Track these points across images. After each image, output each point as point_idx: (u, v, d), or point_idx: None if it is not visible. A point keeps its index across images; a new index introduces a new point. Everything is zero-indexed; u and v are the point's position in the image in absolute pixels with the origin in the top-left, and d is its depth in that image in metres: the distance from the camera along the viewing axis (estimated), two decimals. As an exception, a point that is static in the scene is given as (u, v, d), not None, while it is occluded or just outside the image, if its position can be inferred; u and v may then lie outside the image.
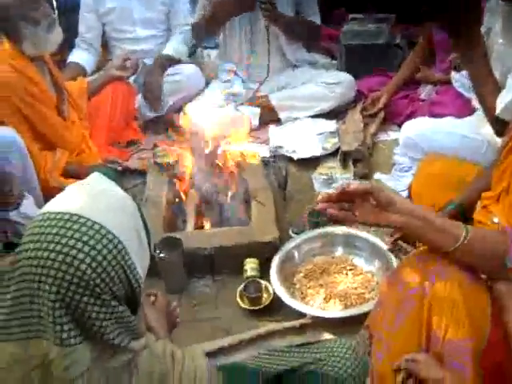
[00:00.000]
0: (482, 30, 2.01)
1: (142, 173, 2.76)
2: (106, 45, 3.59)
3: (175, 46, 3.46)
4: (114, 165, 2.63)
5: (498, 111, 1.88)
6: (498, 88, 1.91)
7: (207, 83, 3.49)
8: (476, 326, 1.25)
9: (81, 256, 0.94)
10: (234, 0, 3.08)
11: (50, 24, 2.54)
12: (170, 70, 3.41)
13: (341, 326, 1.78)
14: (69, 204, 0.99)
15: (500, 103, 1.86)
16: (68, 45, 3.42)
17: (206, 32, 3.38)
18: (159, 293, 1.49)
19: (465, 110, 2.55)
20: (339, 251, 2.16)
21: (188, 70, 3.46)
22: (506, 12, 1.99)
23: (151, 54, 3.47)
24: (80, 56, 3.42)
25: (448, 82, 2.82)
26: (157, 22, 3.50)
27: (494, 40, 2.07)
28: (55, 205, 1.00)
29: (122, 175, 2.77)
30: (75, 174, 2.60)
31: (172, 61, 3.42)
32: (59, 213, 0.97)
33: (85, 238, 0.95)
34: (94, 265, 0.94)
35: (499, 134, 1.97)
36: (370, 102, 3.09)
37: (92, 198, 1.02)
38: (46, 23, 2.51)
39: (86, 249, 0.94)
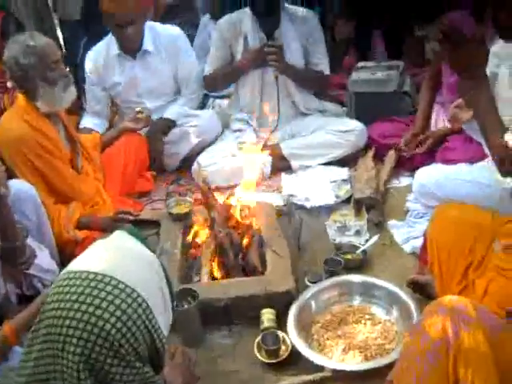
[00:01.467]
0: (487, 72, 2.05)
1: (155, 223, 2.76)
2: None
3: (177, 110, 3.49)
4: (126, 216, 2.63)
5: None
6: (504, 128, 1.92)
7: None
8: (504, 376, 1.22)
9: (106, 316, 0.93)
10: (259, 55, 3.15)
11: (66, 84, 2.59)
12: (185, 117, 3.45)
13: (361, 378, 1.74)
14: (93, 263, 0.99)
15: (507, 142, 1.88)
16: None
17: (224, 83, 3.44)
18: (179, 348, 1.47)
19: (477, 154, 2.55)
20: (357, 300, 2.13)
21: (205, 114, 3.52)
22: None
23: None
24: (91, 121, 3.47)
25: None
26: (164, 90, 3.50)
27: (501, 85, 2.10)
28: (79, 264, 1.01)
29: (134, 226, 2.77)
30: (89, 226, 2.62)
31: (173, 123, 3.44)
32: (84, 272, 0.97)
33: (110, 298, 0.94)
34: (119, 325, 0.94)
35: (504, 174, 1.98)
36: (408, 141, 3.05)
37: (116, 256, 1.02)
38: (63, 84, 2.56)
39: (112, 308, 0.94)
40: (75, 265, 1.01)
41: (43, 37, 2.57)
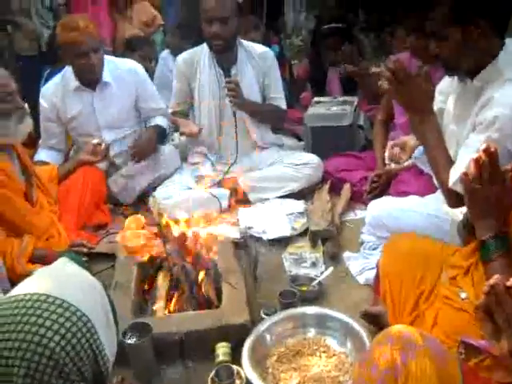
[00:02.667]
0: (435, 109, 2.13)
1: (111, 256, 2.73)
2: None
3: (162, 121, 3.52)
4: (80, 248, 2.60)
5: (450, 184, 1.96)
6: (452, 163, 2.00)
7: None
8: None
9: (50, 334, 0.92)
10: None
11: (21, 116, 2.56)
12: None
13: (315, 411, 1.74)
14: (36, 286, 0.99)
15: (452, 176, 1.95)
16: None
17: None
18: (127, 381, 1.45)
19: (427, 187, 2.62)
20: (312, 332, 2.13)
21: (165, 150, 3.53)
22: (458, 92, 2.11)
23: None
24: (46, 155, 3.41)
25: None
26: (124, 122, 3.48)
27: (447, 120, 2.18)
28: (21, 288, 1.00)
29: (90, 259, 2.74)
30: (43, 259, 2.57)
31: (161, 130, 3.47)
32: (27, 294, 0.96)
33: (53, 316, 0.94)
34: (63, 343, 0.93)
35: (453, 206, 2.04)
36: (371, 182, 3.11)
37: (60, 280, 1.02)
38: (17, 116, 2.54)
39: (56, 327, 0.93)
40: (17, 289, 1.00)
41: None
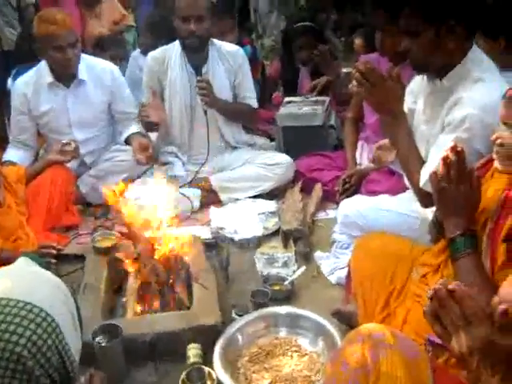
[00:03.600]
0: (405, 109, 2.15)
1: (80, 258, 2.69)
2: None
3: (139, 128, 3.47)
4: (49, 250, 2.55)
5: (421, 183, 1.98)
6: (422, 163, 2.02)
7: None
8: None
9: (14, 339, 0.90)
10: None
11: None
12: (113, 151, 3.44)
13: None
14: None
15: (423, 176, 1.97)
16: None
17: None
18: (99, 375, 1.42)
19: (398, 186, 2.64)
20: (283, 332, 2.13)
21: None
22: (428, 92, 2.13)
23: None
24: (15, 154, 3.33)
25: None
26: (96, 121, 3.44)
27: (417, 120, 2.20)
28: None
29: (59, 261, 2.69)
30: (9, 260, 2.51)
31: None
32: None
33: (17, 320, 0.92)
34: (29, 345, 0.91)
35: (425, 205, 2.07)
36: (343, 183, 3.09)
37: (21, 281, 1.00)
38: None
39: (20, 330, 0.91)
40: None
41: None
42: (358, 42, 3.65)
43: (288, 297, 2.42)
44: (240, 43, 4.11)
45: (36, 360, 0.91)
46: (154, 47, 3.48)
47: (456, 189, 1.58)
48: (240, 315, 2.18)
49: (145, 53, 3.90)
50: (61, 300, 1.02)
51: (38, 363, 0.92)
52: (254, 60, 4.36)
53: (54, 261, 2.46)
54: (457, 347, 1.06)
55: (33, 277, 1.02)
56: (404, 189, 2.55)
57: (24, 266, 1.06)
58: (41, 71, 3.29)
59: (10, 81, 3.89)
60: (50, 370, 0.94)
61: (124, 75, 3.80)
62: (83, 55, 3.36)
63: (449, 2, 1.95)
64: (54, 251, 2.57)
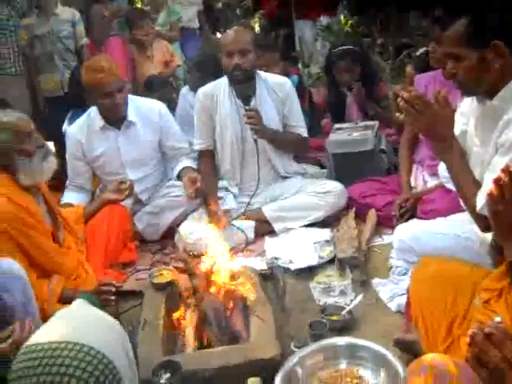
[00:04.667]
0: (456, 132, 2.10)
1: (139, 294, 2.73)
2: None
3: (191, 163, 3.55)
4: (108, 287, 2.60)
5: (478, 208, 1.92)
6: (478, 187, 1.96)
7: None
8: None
9: (73, 382, 0.92)
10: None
11: (44, 154, 2.63)
12: (168, 187, 3.51)
13: None
14: (54, 332, 0.99)
15: (479, 200, 1.90)
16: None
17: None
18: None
19: (455, 204, 2.56)
20: (343, 363, 2.08)
21: None
22: (478, 113, 2.08)
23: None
24: (72, 197, 3.46)
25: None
26: (147, 160, 3.52)
27: (470, 142, 2.14)
28: (40, 336, 1.00)
29: (118, 297, 2.75)
30: (72, 299, 2.56)
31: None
32: (46, 343, 0.96)
33: (75, 363, 0.94)
34: None
35: (483, 229, 1.99)
36: (399, 207, 3.03)
37: (78, 323, 1.02)
38: (41, 154, 2.60)
39: (78, 373, 0.93)
40: (36, 337, 1.00)
41: (15, 112, 2.66)
42: (408, 69, 3.60)
43: (347, 326, 2.38)
44: (286, 74, 4.15)
45: None
46: (203, 84, 3.55)
47: (511, 210, 1.52)
48: (299, 347, 2.15)
49: (194, 89, 3.99)
50: (116, 340, 1.03)
51: None
52: (300, 89, 4.38)
53: (113, 298, 2.50)
54: None
55: (89, 319, 1.05)
56: (460, 208, 2.48)
57: (80, 308, 1.09)
58: (92, 116, 3.42)
59: (66, 123, 4.05)
60: None
61: (174, 113, 3.90)
62: (131, 96, 3.48)
63: (490, 25, 1.89)
64: (113, 288, 2.62)
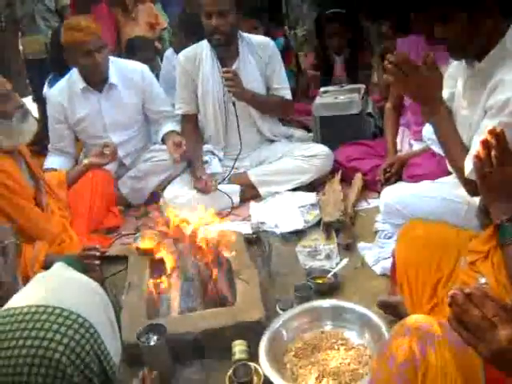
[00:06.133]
0: (445, 95, 2.07)
1: (124, 259, 2.71)
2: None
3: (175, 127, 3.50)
4: (93, 252, 2.58)
5: (466, 173, 1.90)
6: (466, 150, 1.94)
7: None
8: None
9: (53, 346, 0.91)
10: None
11: (23, 115, 2.56)
12: (152, 151, 3.47)
13: (336, 406, 1.71)
14: (34, 296, 0.97)
15: (468, 165, 1.89)
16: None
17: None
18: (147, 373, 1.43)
19: (440, 169, 2.56)
20: (328, 325, 2.10)
21: None
22: (467, 76, 2.05)
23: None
24: (55, 161, 3.41)
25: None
26: (131, 123, 3.48)
27: (457, 104, 2.12)
28: (19, 299, 0.98)
29: (103, 262, 2.73)
30: (55, 265, 2.56)
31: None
32: (24, 307, 0.94)
33: (55, 327, 0.92)
34: (67, 352, 0.91)
35: (472, 193, 1.99)
36: (384, 172, 3.04)
37: (57, 286, 1.00)
38: (19, 115, 2.54)
39: (58, 337, 0.91)
40: (15, 301, 0.98)
41: None
42: (385, 29, 3.54)
43: (332, 289, 2.38)
44: (272, 36, 4.08)
45: (75, 366, 0.92)
46: (187, 46, 3.48)
47: (499, 173, 1.51)
48: (284, 310, 2.16)
49: (178, 52, 3.91)
50: (97, 304, 1.02)
51: (78, 369, 0.92)
52: (287, 51, 4.32)
53: (97, 262, 2.48)
54: (485, 351, 1.04)
55: (68, 282, 1.03)
56: (446, 172, 2.47)
57: (60, 272, 1.06)
58: (73, 79, 3.35)
59: (46, 87, 3.96)
60: (89, 375, 0.94)
61: (156, 75, 3.83)
62: (112, 58, 3.41)
63: None
64: (98, 253, 2.60)
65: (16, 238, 2.19)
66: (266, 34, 4.07)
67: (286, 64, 4.07)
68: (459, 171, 1.98)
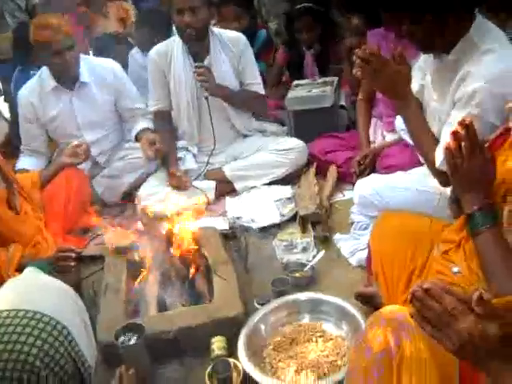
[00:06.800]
0: (415, 87, 2.10)
1: (101, 259, 2.69)
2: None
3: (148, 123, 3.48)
4: (68, 253, 2.55)
5: (437, 164, 1.93)
6: (436, 142, 1.97)
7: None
8: (444, 380, 1.23)
9: (26, 349, 0.90)
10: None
11: None
12: (126, 149, 3.45)
13: (315, 397, 1.72)
14: (4, 300, 0.97)
15: (438, 156, 1.92)
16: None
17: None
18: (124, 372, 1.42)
19: (413, 159, 2.57)
20: (306, 318, 2.12)
21: None
22: (435, 68, 2.08)
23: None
24: (27, 162, 3.37)
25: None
26: (104, 121, 3.45)
27: (427, 96, 2.14)
28: None
29: (79, 263, 2.71)
30: (31, 267, 2.53)
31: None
32: None
33: (27, 330, 0.92)
34: (41, 355, 0.91)
35: (443, 184, 2.02)
36: (358, 164, 3.05)
37: (29, 290, 1.00)
38: None
39: (31, 340, 0.91)
40: None
41: None
42: (354, 22, 3.55)
43: (309, 282, 2.40)
44: (254, 28, 4.09)
45: (50, 369, 0.91)
46: (152, 43, 3.46)
47: (469, 163, 1.53)
48: (262, 304, 2.17)
49: (141, 47, 3.90)
50: (70, 306, 1.02)
51: (52, 372, 0.91)
52: (268, 44, 4.31)
53: (72, 264, 2.46)
54: (448, 344, 1.07)
55: (40, 286, 1.02)
56: (419, 162, 2.50)
57: (31, 276, 1.06)
58: (43, 77, 3.30)
59: (12, 85, 3.91)
60: (64, 378, 0.94)
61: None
62: (84, 56, 3.38)
63: None
64: (73, 254, 2.58)
65: None
66: (249, 25, 4.09)
67: (266, 57, 4.09)
68: (430, 163, 2.00)
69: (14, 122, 3.62)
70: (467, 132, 1.51)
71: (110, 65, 3.46)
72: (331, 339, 2.01)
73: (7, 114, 4.32)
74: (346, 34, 3.92)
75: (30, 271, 1.07)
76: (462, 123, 1.51)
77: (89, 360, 1.01)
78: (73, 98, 3.32)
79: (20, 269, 2.52)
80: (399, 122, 2.61)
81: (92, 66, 3.36)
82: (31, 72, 3.50)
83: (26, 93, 3.34)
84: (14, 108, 3.59)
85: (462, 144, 1.52)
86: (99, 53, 4.09)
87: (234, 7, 4.09)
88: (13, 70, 4.16)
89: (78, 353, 0.97)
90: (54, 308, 0.97)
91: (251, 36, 4.08)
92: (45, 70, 3.29)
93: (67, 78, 3.27)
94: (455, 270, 1.74)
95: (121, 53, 4.29)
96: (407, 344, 1.27)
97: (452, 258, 1.77)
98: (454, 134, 1.53)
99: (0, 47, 4.75)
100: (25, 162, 3.37)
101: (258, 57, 4.04)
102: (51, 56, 3.12)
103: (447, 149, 1.57)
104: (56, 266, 2.27)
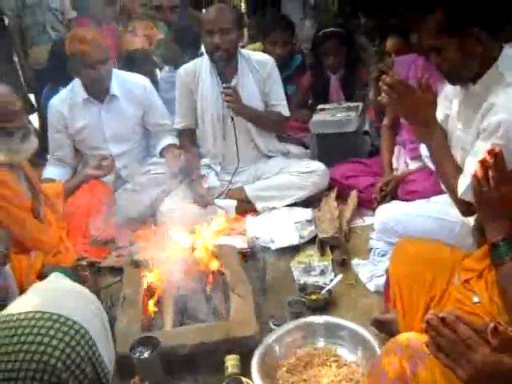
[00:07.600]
0: (440, 116, 2.10)
1: (119, 271, 2.72)
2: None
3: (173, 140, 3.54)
4: (87, 263, 2.60)
5: (459, 193, 1.93)
6: (459, 171, 1.97)
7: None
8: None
9: (49, 351, 0.92)
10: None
11: (25, 135, 2.58)
12: (150, 164, 3.50)
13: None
14: (29, 303, 0.99)
15: (461, 185, 1.92)
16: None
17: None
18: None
19: (436, 186, 2.57)
20: (321, 342, 2.11)
21: None
22: (461, 98, 2.08)
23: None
24: (53, 171, 3.43)
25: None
26: (130, 135, 3.50)
27: (452, 125, 2.15)
28: (15, 307, 0.99)
29: (98, 274, 2.74)
30: (51, 275, 2.56)
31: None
32: (21, 313, 0.96)
33: (51, 332, 0.94)
34: (63, 357, 0.93)
35: (465, 214, 2.01)
36: (380, 190, 3.04)
37: (54, 295, 1.03)
38: (20, 134, 2.56)
39: (54, 342, 0.93)
40: (11, 308, 0.99)
41: (2, 87, 2.58)
42: (389, 42, 3.56)
43: (325, 306, 2.40)
44: (292, 52, 4.22)
45: (70, 372, 0.93)
46: (180, 60, 3.52)
47: (496, 192, 1.54)
48: (277, 325, 2.17)
49: (169, 63, 3.96)
50: (93, 312, 1.04)
51: (73, 374, 0.93)
52: (302, 68, 4.36)
53: (86, 273, 2.49)
54: (461, 374, 1.06)
55: (65, 291, 1.05)
56: (442, 190, 2.50)
57: (57, 280, 1.08)
58: (75, 89, 3.37)
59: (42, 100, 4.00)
60: (84, 381, 0.95)
61: (156, 88, 3.85)
62: (115, 70, 3.44)
63: (465, 12, 1.89)
64: (92, 264, 2.62)
65: (4, 247, 2.21)
66: (291, 50, 4.20)
67: (301, 81, 4.13)
68: (453, 192, 2.00)
69: (43, 132, 3.68)
70: (495, 161, 1.51)
71: (140, 80, 3.53)
72: (345, 365, 1.99)
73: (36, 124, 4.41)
74: (371, 58, 3.96)
75: (55, 276, 1.10)
76: (490, 152, 1.51)
77: (108, 365, 1.02)
78: (102, 110, 3.38)
79: (40, 277, 2.56)
80: (424, 148, 2.62)
81: (122, 80, 3.43)
82: (60, 89, 3.56)
83: (57, 102, 3.42)
84: (43, 119, 3.65)
85: (490, 173, 1.53)
86: (126, 68, 4.15)
87: (282, 33, 4.16)
88: (45, 84, 4.26)
89: (98, 358, 0.99)
90: (77, 313, 0.99)
91: (288, 59, 4.20)
92: (77, 81, 3.36)
93: (98, 91, 3.34)
94: (476, 299, 1.73)
95: (146, 69, 4.36)
96: (423, 372, 1.27)
97: (473, 288, 1.76)
98: (482, 162, 1.53)
99: (39, 58, 4.86)
100: (51, 171, 3.43)
101: (291, 79, 4.12)
102: (85, 68, 3.20)
103: (474, 176, 1.57)
104: (74, 275, 2.29)
